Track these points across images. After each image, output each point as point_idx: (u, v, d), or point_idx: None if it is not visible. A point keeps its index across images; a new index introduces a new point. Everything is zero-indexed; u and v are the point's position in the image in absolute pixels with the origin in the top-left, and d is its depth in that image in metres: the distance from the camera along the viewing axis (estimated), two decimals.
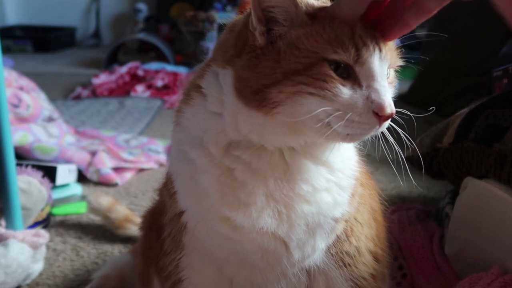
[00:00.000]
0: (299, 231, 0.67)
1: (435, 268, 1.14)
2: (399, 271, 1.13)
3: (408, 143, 0.66)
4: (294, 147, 0.67)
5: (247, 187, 0.66)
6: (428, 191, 1.67)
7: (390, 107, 0.59)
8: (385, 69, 0.62)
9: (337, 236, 0.73)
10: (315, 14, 0.62)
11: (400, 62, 0.68)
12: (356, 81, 0.60)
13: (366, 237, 0.77)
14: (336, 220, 0.70)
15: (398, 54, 0.68)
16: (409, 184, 1.69)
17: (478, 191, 1.05)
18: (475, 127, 1.12)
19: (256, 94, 0.61)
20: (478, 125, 1.11)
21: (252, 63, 0.62)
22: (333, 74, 0.59)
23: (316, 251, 0.71)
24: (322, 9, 0.63)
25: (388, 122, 0.62)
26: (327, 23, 0.61)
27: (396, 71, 0.70)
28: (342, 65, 0.60)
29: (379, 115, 0.59)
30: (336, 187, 0.69)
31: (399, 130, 0.65)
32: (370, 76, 0.60)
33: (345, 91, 0.59)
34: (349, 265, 0.74)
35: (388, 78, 0.65)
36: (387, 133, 0.65)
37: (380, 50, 0.61)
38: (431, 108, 0.74)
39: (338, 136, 0.61)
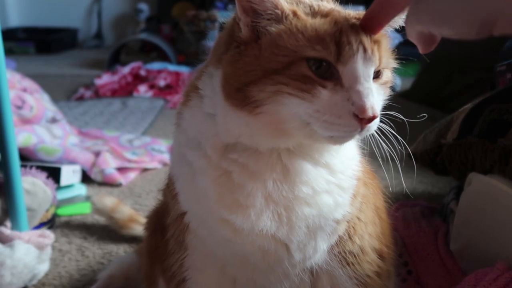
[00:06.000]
0: (299, 233, 0.67)
1: (440, 264, 1.13)
2: (404, 267, 1.13)
3: (400, 142, 0.66)
4: (290, 148, 0.66)
5: (246, 189, 0.65)
6: (432, 187, 1.67)
7: (371, 110, 0.57)
8: (370, 70, 0.60)
9: (340, 237, 0.72)
10: (300, 11, 0.61)
11: (394, 64, 0.67)
12: (339, 81, 0.59)
13: (370, 236, 0.76)
14: (337, 222, 0.70)
15: (392, 55, 0.66)
16: (412, 180, 1.68)
17: (482, 187, 1.05)
18: (479, 123, 1.11)
19: (238, 92, 0.61)
20: (482, 121, 1.11)
21: (234, 58, 0.62)
22: (312, 75, 0.58)
23: (318, 252, 0.70)
24: (311, 7, 0.63)
25: (374, 125, 0.60)
26: (309, 20, 0.60)
27: (395, 69, 0.69)
28: (324, 63, 0.58)
29: (360, 118, 0.57)
30: (337, 188, 0.68)
31: (387, 132, 0.64)
32: (353, 77, 0.59)
33: (324, 93, 0.58)
34: (352, 264, 0.73)
35: (380, 79, 0.64)
36: (388, 130, 0.64)
37: (365, 50, 0.59)
38: (422, 115, 0.73)
39: (321, 138, 0.60)
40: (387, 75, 0.66)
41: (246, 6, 0.61)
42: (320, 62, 0.58)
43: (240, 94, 0.61)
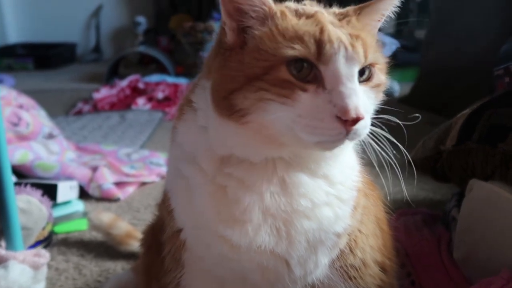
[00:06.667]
0: (299, 248, 0.65)
1: (444, 273, 1.11)
2: (407, 278, 1.11)
3: (399, 148, 0.64)
4: (286, 159, 0.64)
5: (242, 204, 0.64)
6: (434, 193, 1.64)
7: (354, 111, 0.55)
8: (353, 70, 0.58)
9: (341, 250, 0.70)
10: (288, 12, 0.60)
11: (382, 59, 0.64)
12: (321, 83, 0.57)
13: (372, 248, 0.75)
14: (338, 235, 0.68)
15: (379, 50, 0.64)
16: (413, 187, 1.66)
17: (484, 193, 1.03)
18: (478, 128, 1.10)
19: (224, 100, 0.60)
20: (481, 126, 1.10)
21: (220, 64, 0.61)
22: (292, 78, 0.57)
23: (319, 267, 0.69)
24: (296, 10, 0.62)
25: (362, 128, 0.57)
26: (293, 21, 0.59)
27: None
28: (305, 64, 0.57)
29: (344, 120, 0.55)
30: (337, 200, 0.67)
31: (381, 137, 0.62)
32: (335, 77, 0.57)
33: (304, 96, 0.57)
34: (354, 278, 0.72)
35: (370, 81, 0.61)
36: (383, 134, 0.62)
37: (346, 49, 0.57)
38: (415, 115, 0.71)
39: (310, 144, 0.58)
40: (379, 78, 0.63)
41: (229, 8, 0.60)
42: (301, 64, 0.57)
43: (226, 102, 0.60)
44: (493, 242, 1.00)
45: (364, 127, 0.58)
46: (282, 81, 0.57)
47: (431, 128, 1.31)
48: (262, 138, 0.61)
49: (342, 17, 0.62)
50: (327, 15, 0.62)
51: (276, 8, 0.60)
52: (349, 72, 0.57)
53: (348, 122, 0.55)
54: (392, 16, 0.68)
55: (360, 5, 0.65)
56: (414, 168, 1.21)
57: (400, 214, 1.34)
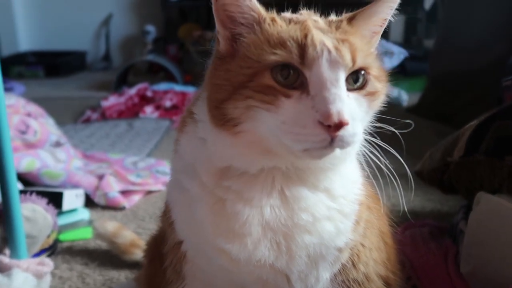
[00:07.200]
0: (300, 262, 0.64)
1: (450, 286, 1.09)
2: None
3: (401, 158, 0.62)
4: (285, 171, 0.64)
5: (241, 217, 0.63)
6: (442, 205, 1.62)
7: (337, 116, 0.53)
8: (338, 74, 0.56)
9: (343, 264, 0.69)
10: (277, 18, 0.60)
11: (376, 62, 0.62)
12: (306, 89, 0.56)
13: (376, 262, 0.73)
14: (339, 250, 0.67)
15: (373, 55, 0.62)
16: (421, 198, 1.64)
17: (491, 207, 1.01)
18: (486, 140, 1.09)
19: (216, 109, 0.60)
20: (489, 138, 1.08)
21: (211, 73, 0.61)
22: (275, 85, 0.56)
23: (320, 281, 0.68)
24: (291, 19, 0.61)
25: (349, 135, 0.55)
26: (280, 27, 0.59)
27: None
28: (291, 71, 0.56)
29: (326, 126, 0.54)
30: (339, 214, 0.65)
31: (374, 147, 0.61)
32: (319, 82, 0.55)
33: (287, 103, 0.56)
34: None
35: (363, 89, 0.59)
36: (381, 144, 0.61)
37: (330, 52, 0.56)
38: (407, 121, 0.70)
39: (298, 152, 0.57)
40: (373, 85, 0.61)
41: (222, 16, 0.60)
42: (287, 70, 0.56)
43: (218, 112, 0.60)
44: (501, 256, 0.99)
45: (352, 135, 0.56)
46: (266, 87, 0.56)
47: (437, 138, 1.30)
48: (256, 147, 0.60)
49: (332, 23, 0.62)
50: (319, 22, 0.61)
51: (266, 14, 0.60)
52: (333, 77, 0.56)
53: (331, 128, 0.54)
54: (393, 20, 0.67)
55: (357, 11, 0.64)
56: (420, 180, 1.20)
57: (407, 226, 1.32)
